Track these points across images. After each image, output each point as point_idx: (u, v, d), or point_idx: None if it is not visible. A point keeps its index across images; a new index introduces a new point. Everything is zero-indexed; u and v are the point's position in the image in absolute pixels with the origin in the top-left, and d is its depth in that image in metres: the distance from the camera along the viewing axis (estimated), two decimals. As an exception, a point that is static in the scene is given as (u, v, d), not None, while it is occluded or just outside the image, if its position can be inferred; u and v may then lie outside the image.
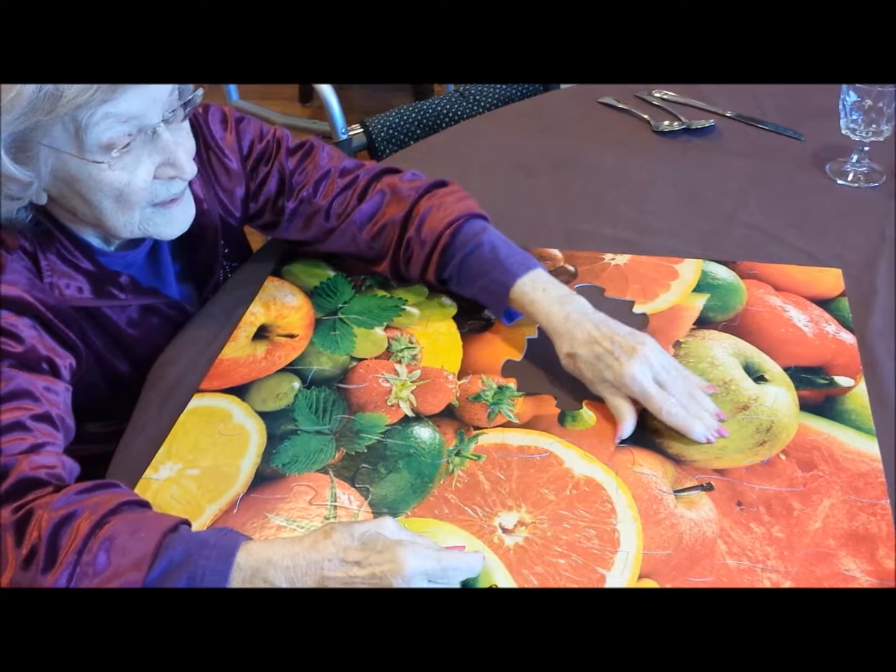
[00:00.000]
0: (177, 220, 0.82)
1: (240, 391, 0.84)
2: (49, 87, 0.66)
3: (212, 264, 0.96)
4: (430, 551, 0.63)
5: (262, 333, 0.91)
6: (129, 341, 0.88)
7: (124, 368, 0.89)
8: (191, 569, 0.61)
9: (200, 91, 0.80)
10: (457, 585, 0.64)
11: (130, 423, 0.83)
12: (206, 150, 0.91)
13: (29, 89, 0.66)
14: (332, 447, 0.79)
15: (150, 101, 0.73)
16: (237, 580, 0.61)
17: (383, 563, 0.60)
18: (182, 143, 0.77)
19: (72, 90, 0.67)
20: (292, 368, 0.87)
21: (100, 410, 0.88)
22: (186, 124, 0.80)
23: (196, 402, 0.84)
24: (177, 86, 0.76)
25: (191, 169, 0.78)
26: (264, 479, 0.76)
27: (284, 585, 0.61)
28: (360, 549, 0.62)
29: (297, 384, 0.85)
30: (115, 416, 0.89)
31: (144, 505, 0.68)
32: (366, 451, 0.78)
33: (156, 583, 0.60)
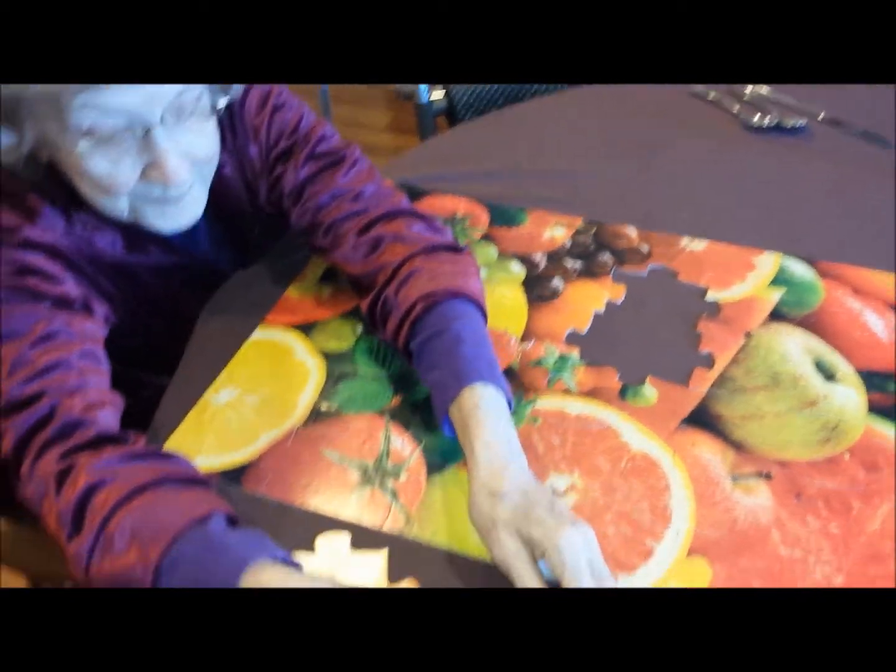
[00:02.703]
0: (171, 217, 0.75)
1: (303, 329, 0.85)
2: None
3: (246, 233, 0.92)
4: None
5: (329, 276, 0.91)
6: (158, 298, 0.86)
7: (151, 323, 0.87)
8: (198, 568, 0.59)
9: (234, 90, 0.75)
10: None
11: (189, 346, 0.84)
12: (230, 134, 0.84)
13: None
14: (389, 392, 0.79)
15: (147, 98, 0.65)
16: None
17: None
18: (177, 148, 0.69)
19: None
20: (356, 312, 0.87)
21: (138, 365, 0.88)
22: (208, 126, 0.73)
23: (259, 333, 0.85)
24: (188, 86, 0.68)
25: (179, 179, 0.70)
26: (320, 415, 0.76)
27: None
28: None
29: (359, 329, 0.85)
30: (149, 367, 0.90)
31: (186, 480, 0.65)
32: (423, 399, 0.78)
33: (166, 571, 0.58)
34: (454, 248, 0.81)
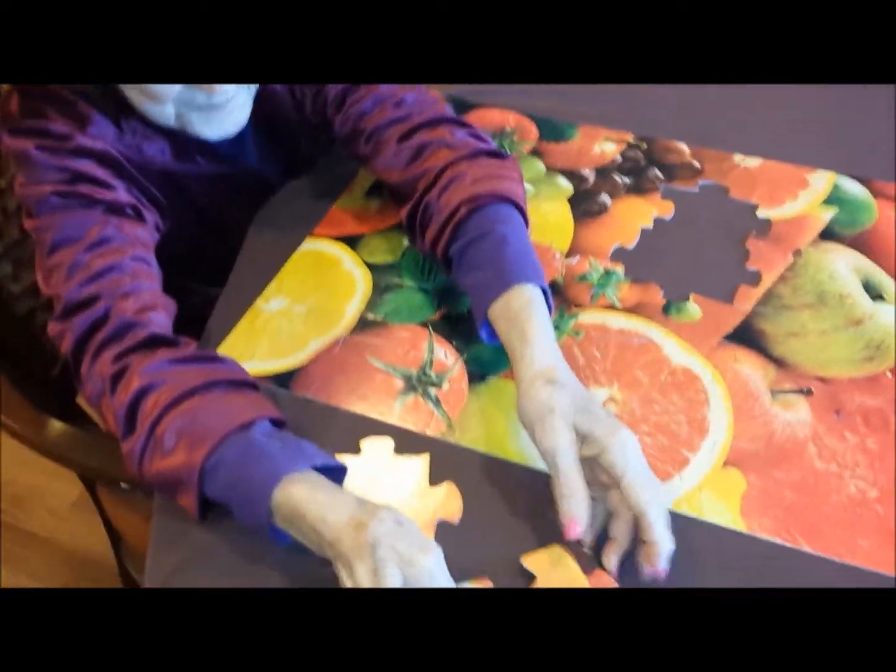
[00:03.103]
0: (216, 124, 0.75)
1: (350, 241, 0.86)
2: None
3: (294, 144, 0.92)
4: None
5: (376, 189, 0.92)
6: (206, 208, 0.87)
7: (203, 233, 0.88)
8: (238, 474, 0.60)
9: None
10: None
11: (240, 257, 0.86)
12: None
13: None
14: (433, 305, 0.80)
15: None
16: (275, 508, 0.59)
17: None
18: None
19: None
20: (403, 227, 0.88)
21: (184, 273, 0.89)
22: None
23: (308, 245, 0.86)
24: None
25: (222, 87, 0.70)
26: (367, 324, 0.78)
27: (306, 540, 0.59)
28: (392, 552, 0.55)
29: (405, 242, 0.86)
30: (197, 278, 0.91)
31: (234, 383, 0.67)
32: (466, 313, 0.79)
33: (210, 474, 0.61)
34: (498, 154, 0.80)
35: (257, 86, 0.77)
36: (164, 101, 0.72)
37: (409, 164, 0.81)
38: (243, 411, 0.64)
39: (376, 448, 0.69)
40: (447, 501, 0.65)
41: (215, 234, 0.90)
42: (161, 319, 0.71)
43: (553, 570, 0.61)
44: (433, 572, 0.55)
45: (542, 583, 0.60)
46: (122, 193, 0.75)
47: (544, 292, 0.70)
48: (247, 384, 0.68)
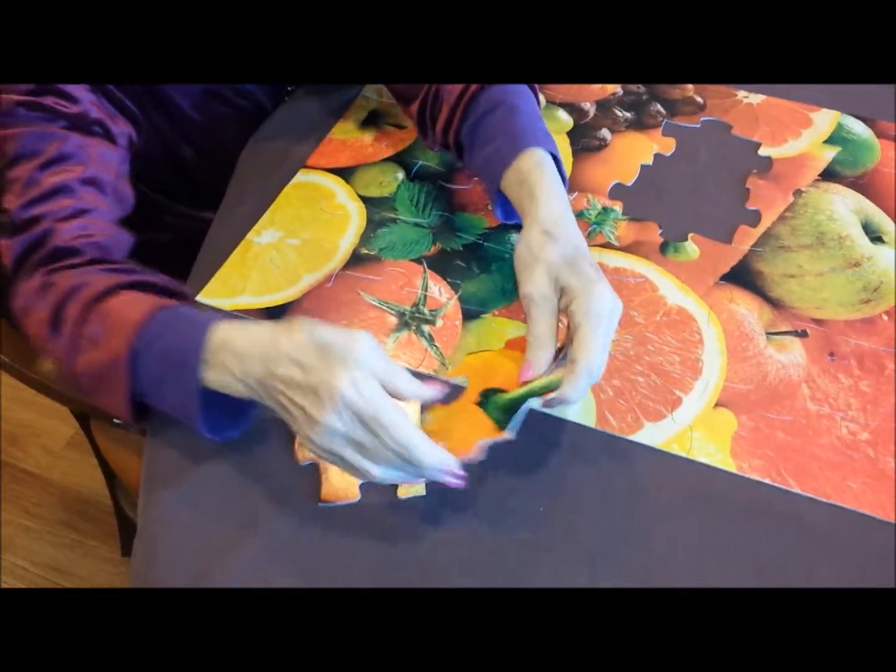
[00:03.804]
0: None
1: (344, 173, 0.85)
2: None
3: None
4: (377, 390, 0.55)
5: (372, 120, 0.90)
6: (192, 126, 0.85)
7: (188, 153, 0.87)
8: (165, 345, 0.60)
9: None
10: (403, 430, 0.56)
11: (230, 187, 0.84)
12: None
13: None
14: (428, 240, 0.79)
15: None
16: (204, 364, 0.59)
17: (321, 373, 0.55)
18: None
19: None
20: (398, 159, 0.86)
21: (169, 192, 0.88)
22: None
23: (301, 176, 0.84)
24: None
25: None
26: (360, 259, 0.77)
27: (237, 372, 0.58)
28: (313, 352, 0.56)
29: (400, 175, 0.85)
30: (183, 200, 0.90)
31: (163, 289, 0.66)
32: (462, 249, 0.78)
33: (139, 355, 0.60)
34: None
35: None
36: None
37: None
38: (165, 300, 0.63)
39: None
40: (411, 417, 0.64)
41: (205, 156, 0.88)
42: (99, 248, 0.69)
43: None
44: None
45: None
46: (89, 106, 0.73)
47: (556, 160, 0.69)
48: (175, 292, 0.67)
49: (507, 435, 0.60)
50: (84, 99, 0.73)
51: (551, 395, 0.59)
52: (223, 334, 0.59)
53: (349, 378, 0.55)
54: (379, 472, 0.56)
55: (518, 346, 0.65)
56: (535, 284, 0.62)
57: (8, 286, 0.69)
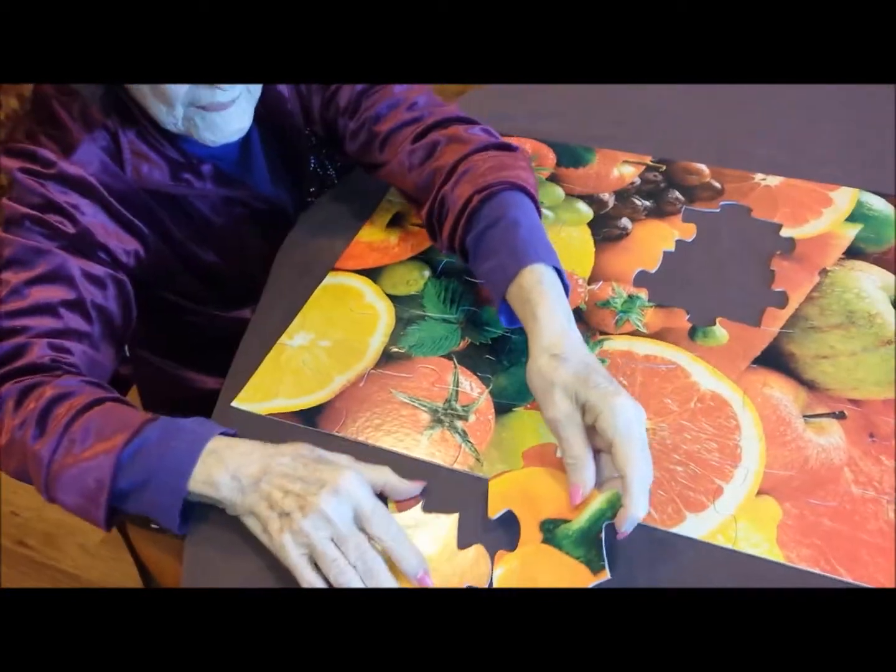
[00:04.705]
0: (217, 128, 0.77)
1: (372, 273, 0.86)
2: None
3: (302, 164, 0.94)
4: (366, 489, 0.62)
5: (397, 221, 0.92)
6: (214, 231, 0.87)
7: (210, 258, 0.89)
8: (162, 448, 0.63)
9: None
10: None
11: (264, 293, 0.86)
12: None
13: None
14: (457, 336, 0.80)
15: None
16: (199, 462, 0.63)
17: (324, 472, 0.62)
18: None
19: None
20: (424, 257, 0.88)
21: (196, 298, 0.91)
22: None
23: (330, 279, 0.86)
24: None
25: (226, 86, 0.73)
26: (391, 357, 0.78)
27: (231, 467, 0.63)
28: (313, 460, 0.64)
29: (427, 272, 0.86)
30: (211, 303, 0.93)
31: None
32: (490, 343, 0.79)
33: (129, 458, 0.63)
34: (508, 147, 0.82)
35: (259, 92, 0.79)
36: (174, 104, 0.74)
37: (423, 162, 0.83)
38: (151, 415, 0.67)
39: (404, 511, 0.66)
40: (475, 566, 0.62)
41: (232, 260, 0.91)
42: (76, 370, 0.71)
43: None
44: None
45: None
46: (91, 229, 0.76)
47: (558, 272, 0.71)
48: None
49: (609, 575, 0.59)
50: (89, 218, 0.76)
51: (621, 524, 0.58)
52: (225, 441, 0.65)
53: (354, 474, 0.62)
54: (344, 579, 0.59)
55: (537, 458, 0.65)
56: (557, 407, 0.63)
57: None
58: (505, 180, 0.76)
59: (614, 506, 0.60)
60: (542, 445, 0.66)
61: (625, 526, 0.58)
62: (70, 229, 0.75)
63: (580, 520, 0.61)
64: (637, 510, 0.58)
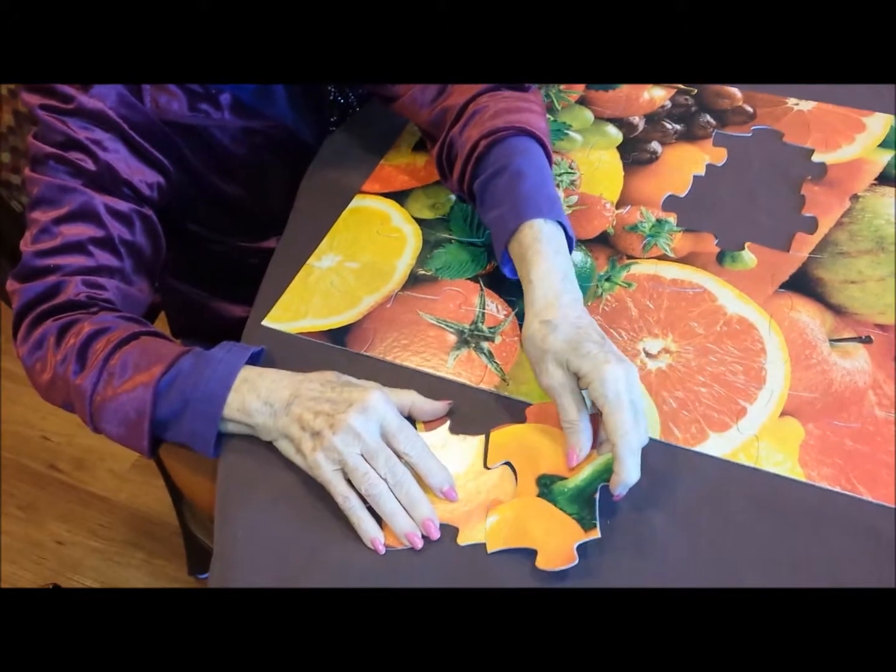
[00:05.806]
0: None
1: (399, 197, 0.86)
2: None
3: (322, 92, 0.93)
4: (392, 407, 0.64)
5: (423, 145, 0.91)
6: (235, 161, 0.87)
7: (232, 189, 0.89)
8: (196, 377, 0.65)
9: None
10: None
11: (290, 218, 0.87)
12: None
13: None
14: (483, 259, 0.80)
15: None
16: (233, 391, 0.65)
17: (352, 393, 0.63)
18: None
19: None
20: (451, 181, 0.87)
21: (215, 230, 0.92)
22: None
23: (357, 202, 0.86)
24: None
25: None
26: (417, 280, 0.79)
27: (263, 394, 0.65)
28: (340, 384, 0.65)
29: (453, 196, 0.86)
30: (237, 234, 0.93)
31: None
32: (517, 266, 0.79)
33: (166, 389, 0.65)
34: (520, 87, 0.80)
35: None
36: None
37: (434, 100, 0.82)
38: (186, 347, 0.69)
39: (432, 430, 0.68)
40: (500, 484, 0.64)
41: (254, 191, 0.91)
42: (110, 305, 0.72)
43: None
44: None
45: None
46: (113, 165, 0.76)
47: (562, 225, 0.70)
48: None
49: (599, 534, 0.59)
50: (111, 154, 0.76)
51: (614, 487, 0.59)
52: (256, 371, 0.67)
53: (380, 393, 0.63)
54: (375, 491, 0.61)
55: (540, 415, 0.66)
56: (550, 375, 0.63)
57: (14, 333, 0.73)
58: (513, 125, 0.74)
59: (610, 469, 0.60)
60: (545, 404, 0.66)
61: (618, 490, 0.59)
62: (92, 167, 0.75)
63: (577, 479, 0.62)
64: (627, 477, 0.58)
